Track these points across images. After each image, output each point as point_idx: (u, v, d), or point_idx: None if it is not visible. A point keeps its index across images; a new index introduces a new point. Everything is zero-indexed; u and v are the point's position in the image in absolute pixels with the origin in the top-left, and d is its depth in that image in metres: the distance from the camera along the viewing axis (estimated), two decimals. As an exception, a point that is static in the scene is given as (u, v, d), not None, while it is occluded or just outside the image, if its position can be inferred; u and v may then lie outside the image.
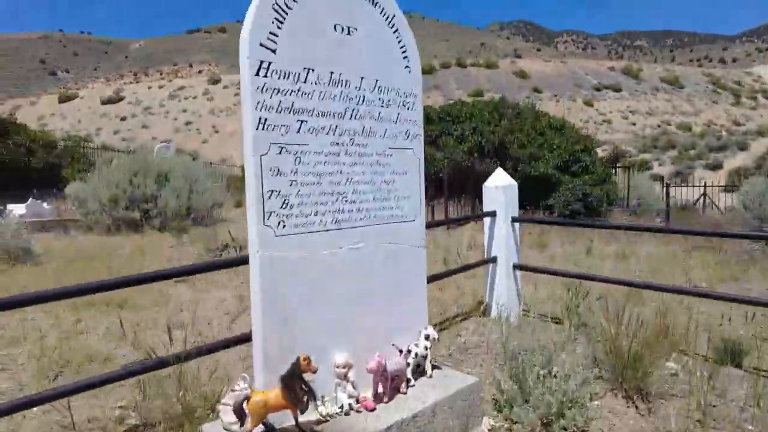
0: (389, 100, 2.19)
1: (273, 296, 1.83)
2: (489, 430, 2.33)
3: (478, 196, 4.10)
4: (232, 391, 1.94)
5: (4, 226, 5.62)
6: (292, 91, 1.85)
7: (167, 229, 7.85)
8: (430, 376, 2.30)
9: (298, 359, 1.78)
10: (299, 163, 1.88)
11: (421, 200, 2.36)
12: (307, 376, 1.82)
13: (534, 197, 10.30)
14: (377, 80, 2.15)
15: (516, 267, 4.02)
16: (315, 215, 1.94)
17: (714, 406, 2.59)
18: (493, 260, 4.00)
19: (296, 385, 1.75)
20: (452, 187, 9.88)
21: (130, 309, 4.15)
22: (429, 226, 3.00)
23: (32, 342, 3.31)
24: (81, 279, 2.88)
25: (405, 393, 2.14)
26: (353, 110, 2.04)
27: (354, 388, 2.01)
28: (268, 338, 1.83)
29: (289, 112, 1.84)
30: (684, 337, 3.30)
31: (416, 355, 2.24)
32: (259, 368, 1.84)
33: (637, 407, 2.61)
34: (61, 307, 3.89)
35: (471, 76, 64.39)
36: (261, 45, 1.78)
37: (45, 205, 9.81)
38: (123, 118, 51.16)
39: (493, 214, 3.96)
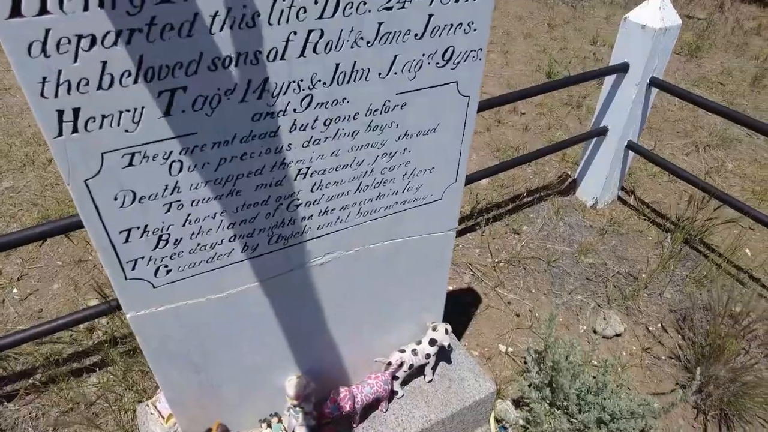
0: (410, -13, 0.97)
1: (170, 352, 1.21)
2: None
3: None
4: (155, 408, 1.56)
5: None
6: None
7: None
8: (430, 381, 1.75)
9: (208, 431, 1.28)
10: (181, 171, 0.95)
11: (459, 166, 1.33)
12: (227, 440, 1.36)
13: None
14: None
15: (630, 147, 2.83)
16: (232, 240, 1.10)
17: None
18: (602, 132, 2.81)
19: (205, 463, 1.31)
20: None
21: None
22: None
23: None
24: None
25: (385, 411, 1.66)
26: (303, 35, 0.92)
27: (311, 416, 1.54)
28: (173, 387, 1.30)
29: (135, 79, 0.81)
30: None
31: (411, 366, 1.65)
32: (173, 412, 1.38)
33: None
34: None
35: None
36: None
37: None
38: None
39: (623, 69, 2.57)
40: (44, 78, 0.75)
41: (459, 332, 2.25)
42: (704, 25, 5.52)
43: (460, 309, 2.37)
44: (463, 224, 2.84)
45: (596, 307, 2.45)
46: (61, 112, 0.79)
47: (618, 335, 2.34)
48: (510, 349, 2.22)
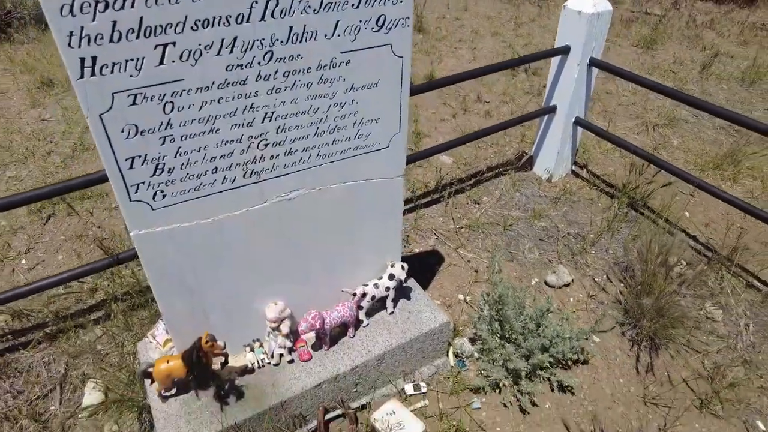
0: (346, -33, 1.27)
1: (167, 272, 1.49)
2: (451, 366, 2.16)
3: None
4: (153, 338, 1.82)
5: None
6: (137, -10, 1.06)
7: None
8: (391, 313, 2.03)
9: (199, 339, 1.55)
10: (173, 110, 1.23)
11: (401, 117, 1.63)
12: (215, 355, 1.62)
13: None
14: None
15: (578, 123, 3.15)
16: (214, 172, 1.38)
17: (732, 385, 2.15)
18: (552, 110, 3.13)
19: (197, 369, 1.57)
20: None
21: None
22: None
23: None
24: None
25: (352, 338, 1.93)
26: (263, 4, 1.21)
27: (288, 338, 1.81)
28: (171, 307, 1.57)
29: (137, 35, 1.10)
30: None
31: (373, 297, 1.93)
32: (171, 332, 1.65)
33: (638, 358, 2.26)
34: None
35: None
36: None
37: None
38: None
39: (565, 51, 2.90)
40: (71, 32, 1.04)
41: (423, 285, 2.53)
42: (657, 20, 5.91)
43: (426, 267, 2.66)
44: (429, 197, 3.13)
45: (547, 262, 2.75)
46: (82, 59, 1.07)
47: (567, 285, 2.64)
48: (468, 298, 2.50)
